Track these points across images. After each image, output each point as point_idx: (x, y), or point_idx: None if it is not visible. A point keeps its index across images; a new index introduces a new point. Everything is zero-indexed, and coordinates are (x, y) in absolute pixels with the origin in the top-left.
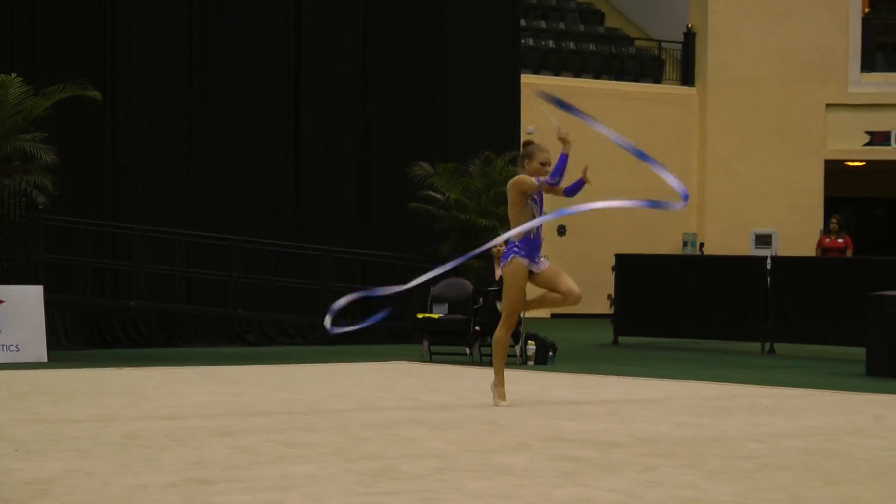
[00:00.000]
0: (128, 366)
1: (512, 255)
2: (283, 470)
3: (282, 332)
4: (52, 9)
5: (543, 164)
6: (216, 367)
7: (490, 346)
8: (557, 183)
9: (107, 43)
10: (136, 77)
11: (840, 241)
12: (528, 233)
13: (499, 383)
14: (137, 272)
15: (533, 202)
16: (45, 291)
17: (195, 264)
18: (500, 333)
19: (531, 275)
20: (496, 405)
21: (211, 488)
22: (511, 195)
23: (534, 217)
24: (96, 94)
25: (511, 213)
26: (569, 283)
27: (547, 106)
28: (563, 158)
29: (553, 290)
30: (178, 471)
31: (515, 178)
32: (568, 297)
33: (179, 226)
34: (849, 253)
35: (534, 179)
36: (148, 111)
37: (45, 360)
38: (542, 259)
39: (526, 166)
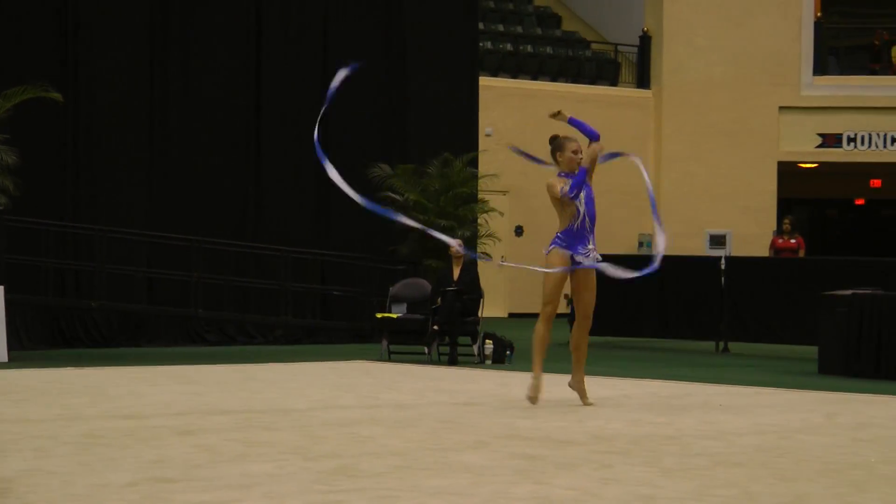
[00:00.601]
0: (89, 366)
1: (553, 247)
2: (243, 468)
3: (242, 331)
4: (12, 11)
5: (575, 153)
6: (177, 367)
7: (448, 345)
8: (575, 196)
9: (68, 44)
10: (98, 79)
11: (793, 241)
12: (571, 224)
13: (536, 373)
14: (99, 272)
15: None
16: (6, 291)
17: (156, 264)
18: (536, 326)
19: (574, 265)
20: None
21: (171, 487)
22: (550, 198)
23: (578, 211)
24: (57, 96)
25: (556, 208)
26: (588, 304)
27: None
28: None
29: (575, 301)
30: (139, 470)
31: (547, 183)
32: (582, 322)
33: (141, 226)
34: (801, 253)
35: (557, 189)
36: (109, 113)
37: (6, 360)
38: (591, 252)
39: (559, 159)
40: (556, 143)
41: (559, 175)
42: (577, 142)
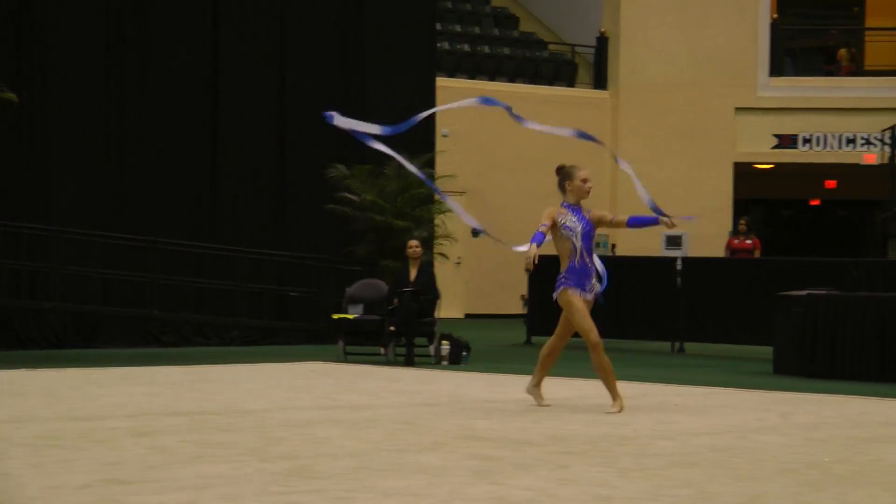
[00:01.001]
0: (43, 367)
1: (562, 288)
2: (199, 470)
3: (198, 332)
4: None
5: (584, 181)
6: (132, 368)
7: (405, 346)
8: (633, 223)
9: (23, 45)
10: (53, 78)
11: (748, 242)
12: (571, 261)
13: (614, 396)
14: (54, 273)
15: (567, 230)
16: None
17: (112, 265)
18: (594, 357)
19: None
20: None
21: (126, 489)
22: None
23: (574, 246)
24: (12, 97)
25: (555, 244)
26: (570, 330)
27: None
28: (654, 221)
29: (562, 325)
30: (94, 471)
31: (548, 211)
32: (562, 342)
33: (96, 227)
34: (757, 254)
35: (552, 208)
36: (65, 112)
37: None
38: (594, 285)
39: (568, 188)
40: (565, 172)
41: (563, 205)
42: (586, 170)
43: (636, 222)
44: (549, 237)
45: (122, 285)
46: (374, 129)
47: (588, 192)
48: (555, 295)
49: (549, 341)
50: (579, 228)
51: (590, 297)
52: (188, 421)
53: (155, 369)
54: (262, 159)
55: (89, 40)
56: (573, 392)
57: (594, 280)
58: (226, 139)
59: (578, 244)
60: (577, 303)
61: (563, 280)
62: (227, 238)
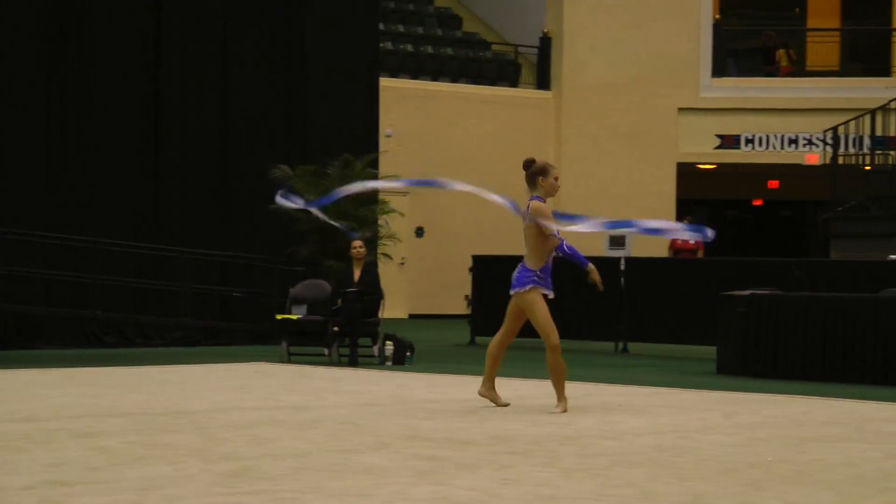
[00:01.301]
0: None
1: (532, 286)
2: (142, 471)
3: (141, 333)
4: None
5: (557, 180)
6: (74, 369)
7: (348, 346)
8: (565, 251)
9: None
10: None
11: (692, 242)
12: (547, 261)
13: (560, 397)
14: None
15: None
16: None
17: (53, 266)
18: (550, 357)
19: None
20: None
21: (69, 490)
22: (535, 224)
23: (553, 249)
24: None
25: (533, 242)
26: (518, 327)
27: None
28: (583, 262)
29: (510, 321)
30: (36, 473)
31: (538, 205)
32: (509, 339)
33: (37, 227)
34: (700, 254)
35: (551, 220)
36: (4, 111)
37: None
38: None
39: (541, 184)
40: (540, 167)
41: (538, 199)
42: (557, 168)
43: (569, 254)
44: (549, 230)
45: (64, 286)
46: (312, 204)
47: (557, 190)
48: (520, 290)
49: (497, 339)
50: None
51: (551, 296)
52: (131, 422)
53: (98, 370)
54: (206, 159)
55: (28, 39)
56: (515, 392)
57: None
58: (169, 139)
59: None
60: (542, 304)
61: (534, 279)
62: (170, 238)
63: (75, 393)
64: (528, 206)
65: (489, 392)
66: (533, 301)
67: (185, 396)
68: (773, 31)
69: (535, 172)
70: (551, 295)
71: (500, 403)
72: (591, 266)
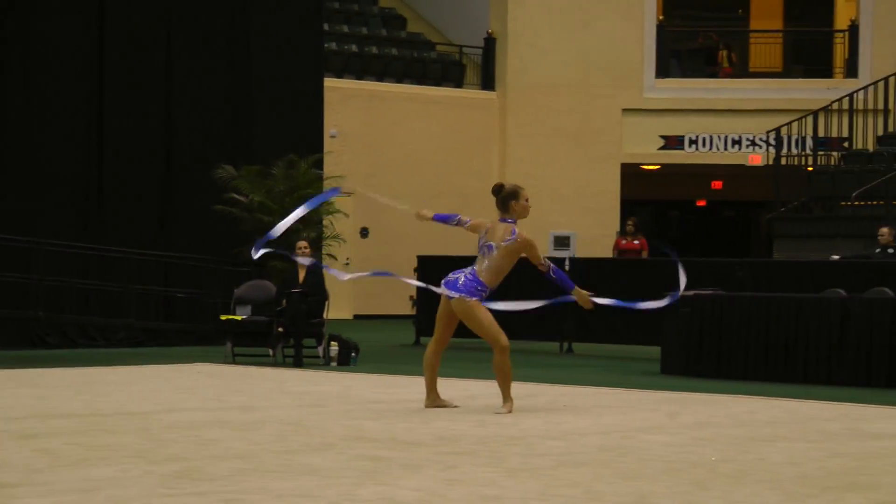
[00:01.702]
0: None
1: (475, 299)
2: (86, 473)
3: (84, 334)
4: None
5: (527, 201)
6: (17, 371)
7: (293, 347)
8: (551, 273)
9: None
10: None
11: (636, 242)
12: (498, 285)
13: (506, 398)
14: None
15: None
16: None
17: None
18: (499, 359)
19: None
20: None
21: (11, 492)
22: (513, 253)
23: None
24: None
25: (499, 263)
26: (450, 334)
27: None
28: (570, 286)
29: (444, 328)
30: None
31: (528, 239)
32: (440, 350)
33: None
34: (644, 254)
35: (543, 262)
36: None
37: None
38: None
39: (514, 207)
40: (510, 191)
41: (508, 221)
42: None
43: (556, 278)
44: (545, 265)
45: (6, 287)
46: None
47: (528, 213)
48: (464, 297)
49: (430, 349)
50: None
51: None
52: (75, 423)
53: (40, 371)
54: (149, 160)
55: None
56: (460, 392)
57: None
58: (113, 139)
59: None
60: (484, 312)
61: (480, 293)
62: (114, 239)
63: (17, 394)
64: (506, 231)
65: (435, 402)
66: (474, 308)
67: (130, 397)
68: (713, 33)
69: (507, 197)
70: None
71: (450, 406)
72: (576, 289)
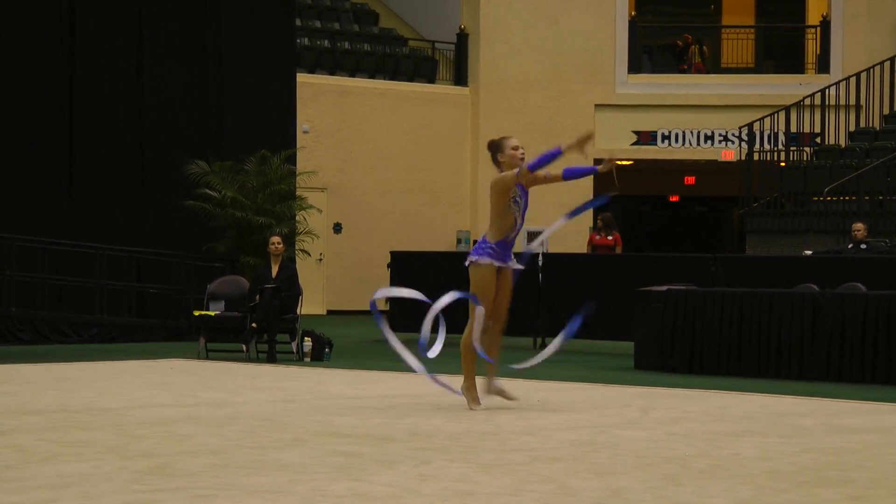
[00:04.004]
0: None
1: (484, 258)
2: (58, 469)
3: (56, 330)
4: None
5: (515, 148)
6: None
7: (267, 343)
8: (534, 169)
9: None
10: None
11: (609, 238)
12: (507, 236)
13: (469, 386)
14: None
15: (515, 203)
16: None
17: None
18: (466, 337)
19: (498, 272)
20: (471, 409)
21: None
22: (493, 198)
23: (515, 220)
24: None
25: (492, 216)
26: (506, 308)
27: None
28: (556, 153)
29: (494, 303)
30: None
31: (495, 178)
32: (498, 325)
33: None
34: (618, 250)
35: (510, 178)
36: None
37: None
38: (511, 261)
39: (501, 160)
40: (493, 144)
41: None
42: (515, 138)
43: (573, 173)
44: (521, 173)
45: None
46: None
47: (522, 160)
48: (475, 259)
49: (484, 337)
50: (522, 204)
51: (504, 266)
52: (46, 419)
53: (12, 367)
54: (121, 155)
55: None
56: (434, 388)
57: (512, 253)
58: (83, 134)
59: (520, 221)
60: (488, 278)
61: (490, 251)
62: (86, 235)
63: None
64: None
65: (492, 390)
66: (481, 277)
67: (102, 393)
68: (687, 34)
69: (492, 152)
70: (503, 266)
71: (510, 398)
72: (601, 167)
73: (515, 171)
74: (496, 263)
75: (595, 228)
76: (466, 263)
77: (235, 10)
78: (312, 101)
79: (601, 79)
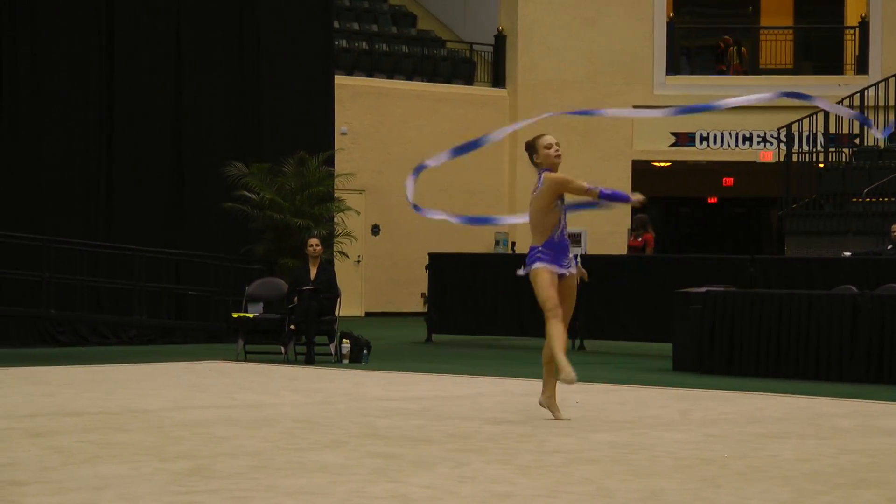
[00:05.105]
0: None
1: (537, 265)
2: (97, 470)
3: (95, 332)
4: None
5: (549, 147)
6: (28, 368)
7: (305, 345)
8: (597, 195)
9: None
10: None
11: (639, 239)
12: (552, 235)
13: (550, 396)
14: None
15: (560, 202)
16: None
17: (7, 265)
18: (557, 328)
19: (560, 277)
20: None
21: (22, 490)
22: (547, 196)
23: (560, 220)
24: None
25: (538, 215)
26: (567, 314)
27: None
28: (625, 197)
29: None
30: None
31: (556, 175)
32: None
33: None
34: (647, 251)
35: (576, 181)
36: None
37: None
38: (572, 262)
39: (537, 160)
40: (529, 146)
41: (545, 171)
42: (550, 136)
43: (608, 197)
44: (588, 188)
45: (18, 284)
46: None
47: (558, 158)
48: (528, 269)
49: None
50: (564, 202)
51: (567, 272)
52: (86, 421)
53: (51, 369)
54: (160, 157)
55: None
56: (471, 390)
57: (571, 255)
58: (123, 138)
59: (564, 219)
60: (543, 276)
61: (540, 255)
62: (124, 237)
63: (28, 392)
64: (535, 183)
65: (547, 401)
66: (534, 282)
67: (141, 395)
68: (728, 35)
69: (529, 154)
70: (562, 271)
71: (558, 416)
72: (634, 197)
73: (561, 177)
74: (549, 268)
75: (632, 230)
76: (522, 273)
77: (273, 13)
78: (350, 103)
79: (639, 80)
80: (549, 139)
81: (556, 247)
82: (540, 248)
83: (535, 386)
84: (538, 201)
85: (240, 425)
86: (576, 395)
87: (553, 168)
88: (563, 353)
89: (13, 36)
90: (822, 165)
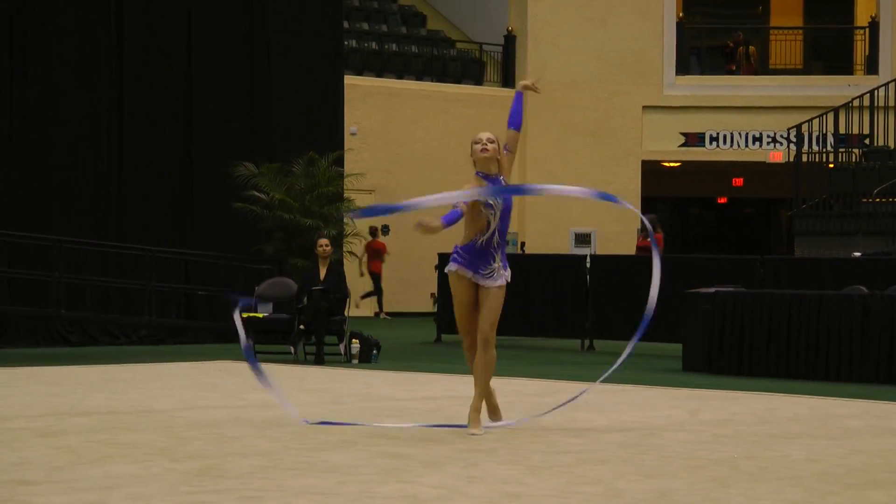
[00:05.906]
0: None
1: (449, 265)
2: (107, 470)
3: (105, 332)
4: None
5: (475, 143)
6: (38, 368)
7: (314, 344)
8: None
9: None
10: None
11: (648, 239)
12: (475, 239)
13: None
14: None
15: (488, 207)
16: None
17: (17, 265)
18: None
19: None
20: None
21: (32, 489)
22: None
23: (488, 227)
24: None
25: (468, 215)
26: (483, 319)
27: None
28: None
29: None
30: None
31: (472, 185)
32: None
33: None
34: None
35: (463, 197)
36: None
37: None
38: (496, 272)
39: (473, 158)
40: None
41: (476, 174)
42: (482, 135)
43: (515, 117)
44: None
45: (28, 284)
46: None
47: (483, 152)
48: (448, 270)
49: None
50: (501, 206)
51: (481, 283)
52: (95, 421)
53: (61, 369)
54: (169, 157)
55: None
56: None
57: (496, 263)
58: (132, 137)
59: (494, 223)
60: (454, 287)
61: (454, 255)
62: (135, 237)
63: (39, 392)
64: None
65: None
66: (450, 286)
67: (150, 395)
68: (740, 32)
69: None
70: (476, 280)
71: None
72: (520, 85)
73: (470, 187)
74: (461, 271)
75: (640, 230)
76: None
77: (283, 13)
78: (360, 102)
79: (649, 80)
80: (478, 136)
81: (474, 252)
82: (458, 249)
83: (545, 386)
84: (468, 209)
85: (249, 425)
86: (585, 395)
87: (480, 162)
88: (480, 399)
89: (23, 39)
90: (831, 166)
